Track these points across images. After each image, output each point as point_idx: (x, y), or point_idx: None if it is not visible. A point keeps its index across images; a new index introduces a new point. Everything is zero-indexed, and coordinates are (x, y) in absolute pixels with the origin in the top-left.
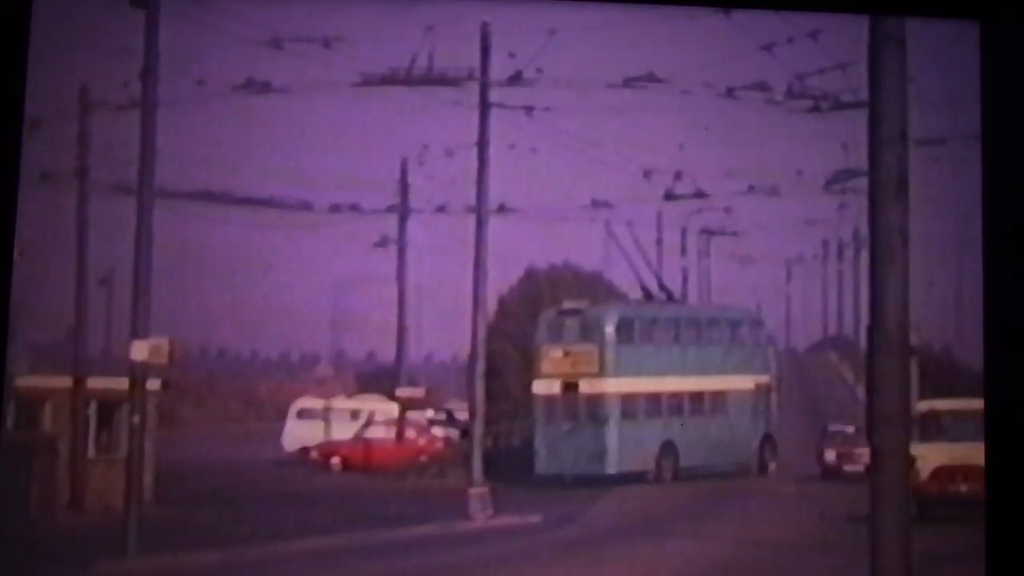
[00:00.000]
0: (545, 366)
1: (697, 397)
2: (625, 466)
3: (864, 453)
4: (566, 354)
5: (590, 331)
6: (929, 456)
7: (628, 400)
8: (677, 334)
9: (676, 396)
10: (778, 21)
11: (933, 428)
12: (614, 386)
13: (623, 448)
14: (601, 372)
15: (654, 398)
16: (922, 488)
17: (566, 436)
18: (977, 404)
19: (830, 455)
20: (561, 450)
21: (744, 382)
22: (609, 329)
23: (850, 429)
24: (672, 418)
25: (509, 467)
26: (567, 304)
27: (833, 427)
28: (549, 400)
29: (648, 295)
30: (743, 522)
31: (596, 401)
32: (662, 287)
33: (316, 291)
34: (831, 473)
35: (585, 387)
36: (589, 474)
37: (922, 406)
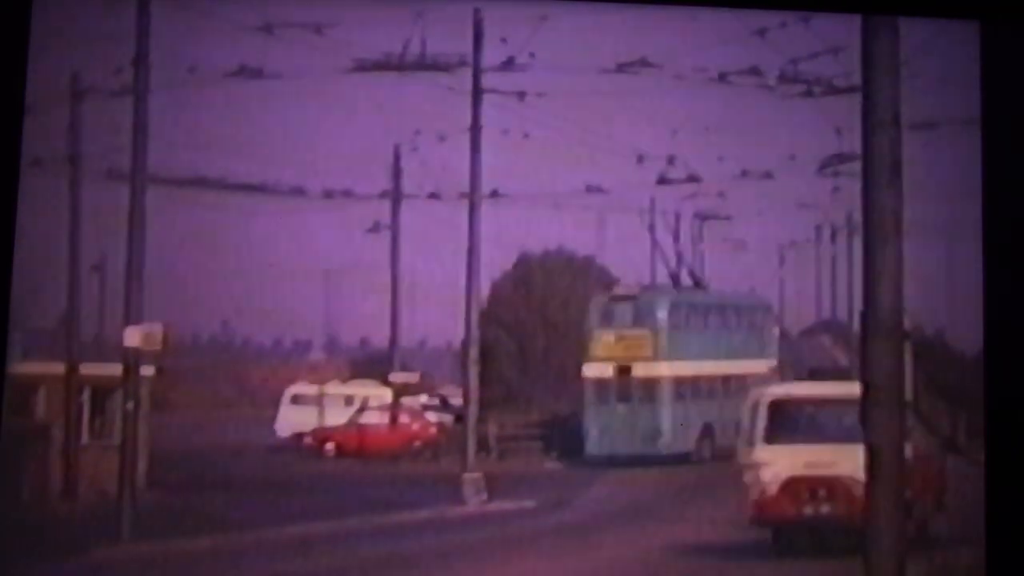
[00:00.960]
0: (597, 350)
1: (727, 380)
2: (676, 447)
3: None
4: (619, 338)
5: (643, 316)
6: (779, 461)
7: (677, 383)
8: (713, 320)
9: (712, 379)
10: (773, 10)
11: (789, 422)
12: (667, 369)
13: (675, 429)
14: (655, 356)
15: (697, 381)
16: (767, 507)
17: (619, 418)
18: (851, 389)
19: None
20: (614, 431)
21: (760, 366)
22: (662, 314)
23: None
24: (710, 400)
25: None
26: (618, 290)
27: None
28: (600, 383)
29: (676, 281)
30: (737, 506)
31: (650, 384)
32: (692, 274)
33: (309, 277)
34: None
35: (639, 370)
36: (643, 454)
37: (776, 391)
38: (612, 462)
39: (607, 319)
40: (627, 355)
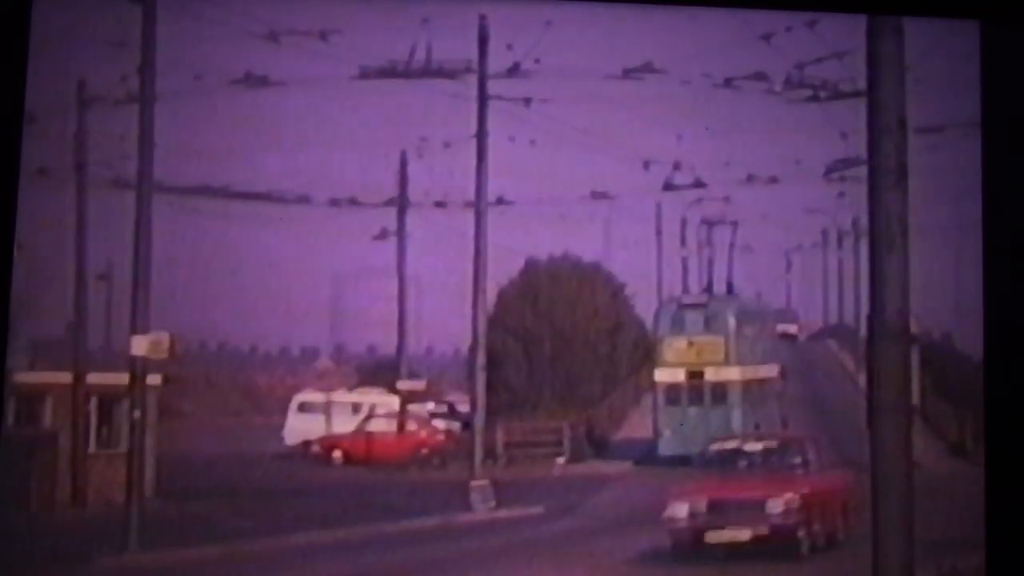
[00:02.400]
0: (669, 356)
1: (762, 383)
2: None
3: (764, 501)
4: (690, 344)
5: (714, 323)
6: None
7: (743, 386)
8: (757, 326)
9: (755, 383)
10: (776, 11)
11: None
12: (737, 374)
13: (745, 430)
14: (726, 361)
15: (749, 384)
16: None
17: (691, 420)
18: None
19: (679, 510)
20: (687, 433)
21: (772, 370)
22: (731, 321)
23: (756, 445)
24: (755, 401)
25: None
26: (687, 298)
27: (717, 446)
28: (672, 387)
29: (709, 289)
30: None
31: (721, 387)
32: (728, 282)
33: (316, 284)
34: (684, 546)
35: (711, 374)
36: None
37: None
38: (684, 462)
39: (678, 326)
40: (699, 360)
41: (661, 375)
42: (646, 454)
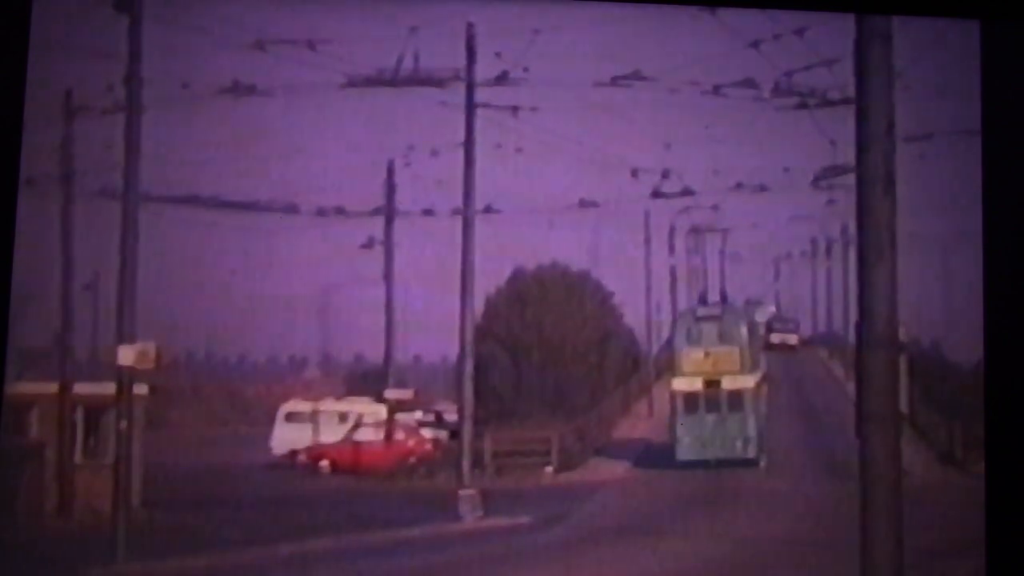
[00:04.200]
0: (686, 366)
1: (759, 388)
2: (759, 452)
3: None
4: (707, 355)
5: (729, 334)
6: None
7: (756, 393)
8: (757, 334)
9: (757, 387)
10: (764, 18)
11: None
12: (751, 381)
13: (760, 435)
14: (741, 369)
15: (755, 391)
16: None
17: (709, 427)
18: None
19: None
20: (705, 439)
21: (758, 377)
22: (744, 331)
23: None
24: (760, 409)
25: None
26: (701, 310)
27: None
28: (690, 395)
29: (704, 299)
30: (734, 520)
31: (737, 395)
32: (721, 292)
33: (303, 294)
34: None
35: (727, 383)
36: (735, 458)
37: None
38: (703, 466)
39: (694, 337)
40: (715, 370)
41: (679, 384)
42: (644, 456)
